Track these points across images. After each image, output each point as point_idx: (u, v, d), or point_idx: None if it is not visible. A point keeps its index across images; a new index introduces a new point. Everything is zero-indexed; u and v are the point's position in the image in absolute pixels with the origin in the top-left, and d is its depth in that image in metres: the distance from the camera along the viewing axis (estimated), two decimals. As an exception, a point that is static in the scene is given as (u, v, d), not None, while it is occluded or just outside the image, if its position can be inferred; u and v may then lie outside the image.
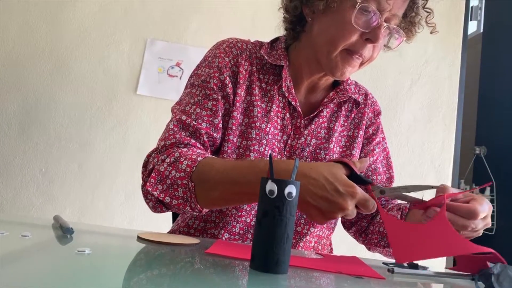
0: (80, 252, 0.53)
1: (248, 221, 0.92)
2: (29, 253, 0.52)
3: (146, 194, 0.82)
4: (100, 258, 0.54)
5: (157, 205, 0.82)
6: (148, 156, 0.86)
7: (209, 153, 0.90)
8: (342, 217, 0.69)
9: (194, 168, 0.76)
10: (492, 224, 2.41)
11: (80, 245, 0.57)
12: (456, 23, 2.40)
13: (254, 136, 0.91)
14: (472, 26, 3.03)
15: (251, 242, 0.91)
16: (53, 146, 2.09)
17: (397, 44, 0.93)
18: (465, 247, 0.55)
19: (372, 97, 1.08)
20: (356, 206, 0.67)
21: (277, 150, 0.93)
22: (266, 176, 0.64)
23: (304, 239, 0.95)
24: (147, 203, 0.83)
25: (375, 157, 1.04)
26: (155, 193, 0.79)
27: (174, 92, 2.16)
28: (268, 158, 0.74)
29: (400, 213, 0.93)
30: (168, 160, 0.80)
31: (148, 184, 0.79)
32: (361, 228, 1.03)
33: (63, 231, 0.66)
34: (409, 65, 2.37)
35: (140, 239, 0.70)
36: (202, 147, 0.87)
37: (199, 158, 0.78)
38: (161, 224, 2.06)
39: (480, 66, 2.90)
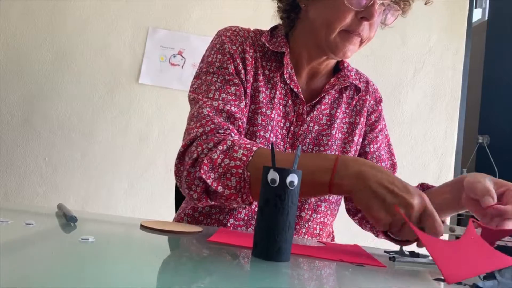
0: (83, 240, 0.54)
1: (253, 207, 0.93)
2: (33, 241, 0.53)
3: (191, 185, 0.77)
4: (103, 246, 0.55)
5: (203, 197, 0.78)
6: (185, 146, 0.81)
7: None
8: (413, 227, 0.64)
9: (251, 157, 0.73)
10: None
11: (83, 233, 0.58)
12: (460, 10, 2.38)
13: (260, 122, 0.91)
14: (477, 14, 3.00)
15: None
16: (56, 135, 2.10)
17: (393, 19, 0.93)
18: (503, 260, 0.55)
19: (373, 84, 1.09)
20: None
21: (280, 136, 0.94)
22: (332, 169, 0.68)
23: (307, 225, 0.96)
24: (191, 194, 0.78)
25: (378, 144, 1.04)
26: (208, 181, 0.74)
27: (176, 81, 2.16)
28: (315, 153, 0.72)
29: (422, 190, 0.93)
30: (220, 147, 0.76)
31: (202, 172, 0.75)
32: None
33: (67, 219, 0.67)
34: (412, 53, 2.35)
35: (143, 227, 0.70)
36: (238, 133, 0.85)
37: (254, 148, 0.75)
38: (164, 212, 2.07)
39: (484, 55, 2.88)
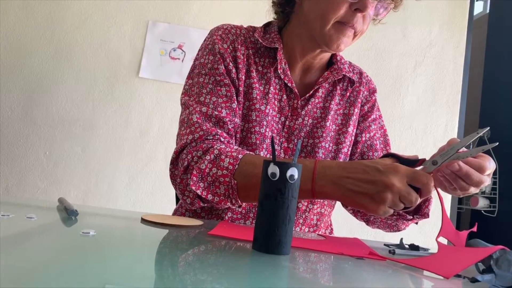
0: (84, 233, 0.54)
1: None
2: (34, 235, 0.53)
3: (184, 191, 0.83)
4: (104, 240, 0.55)
5: (195, 202, 0.83)
6: (177, 152, 0.85)
7: (234, 141, 0.91)
8: (404, 208, 0.68)
9: (237, 166, 0.77)
10: (494, 206, 2.42)
11: (84, 227, 0.58)
12: (462, 3, 2.37)
13: (254, 118, 0.92)
14: (478, 7, 2.98)
15: (253, 222, 0.93)
16: (56, 129, 2.10)
17: (385, 14, 0.94)
18: (485, 251, 0.57)
19: (367, 75, 1.10)
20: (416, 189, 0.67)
21: (275, 131, 0.95)
22: (312, 169, 0.71)
23: (304, 216, 0.97)
24: (184, 200, 0.83)
25: (371, 134, 1.05)
26: (198, 191, 0.79)
27: (176, 75, 2.15)
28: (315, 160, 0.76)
29: None
30: (208, 157, 0.80)
31: (191, 183, 0.80)
32: None
33: (68, 213, 0.67)
34: (413, 46, 2.34)
35: (144, 221, 0.71)
36: (227, 136, 0.88)
37: (239, 156, 0.79)
38: (164, 206, 2.08)
39: (485, 48, 2.87)
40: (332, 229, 1.09)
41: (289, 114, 0.96)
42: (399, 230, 0.99)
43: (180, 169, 0.83)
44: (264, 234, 0.55)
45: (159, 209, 2.06)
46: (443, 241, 0.64)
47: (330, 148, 0.98)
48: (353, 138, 1.03)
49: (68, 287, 0.33)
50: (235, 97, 0.91)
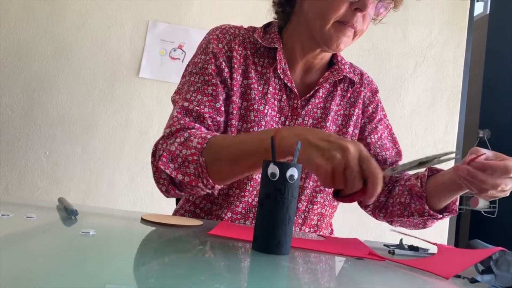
0: (84, 233, 0.54)
1: (250, 201, 0.94)
2: (34, 235, 0.53)
3: (159, 179, 0.83)
4: (104, 240, 0.55)
5: (170, 188, 0.82)
6: (156, 145, 0.86)
7: None
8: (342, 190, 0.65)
9: (205, 144, 0.77)
10: (494, 207, 2.42)
11: (84, 227, 0.58)
12: (462, 4, 2.36)
13: (253, 118, 0.92)
14: (479, 8, 2.98)
15: (253, 222, 0.93)
16: (56, 129, 2.10)
17: (385, 13, 0.94)
18: (485, 252, 0.57)
19: (368, 76, 1.10)
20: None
21: None
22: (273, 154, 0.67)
23: (303, 216, 0.97)
24: (160, 188, 0.84)
25: (379, 134, 1.05)
26: (167, 171, 0.79)
27: (176, 75, 2.15)
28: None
29: (419, 181, 0.94)
30: (178, 140, 0.81)
31: (160, 163, 0.80)
32: (379, 204, 1.03)
33: (68, 213, 0.67)
34: (413, 47, 2.34)
35: (144, 221, 0.71)
36: (206, 131, 0.88)
37: (208, 136, 0.79)
38: (164, 206, 2.08)
39: (485, 49, 2.86)
40: (332, 229, 1.09)
41: (289, 114, 0.96)
42: (424, 228, 0.99)
43: (155, 159, 0.84)
44: (264, 234, 0.56)
45: (159, 209, 2.06)
46: None
47: None
48: (354, 139, 1.03)
49: (68, 287, 0.33)
50: (220, 97, 0.91)
